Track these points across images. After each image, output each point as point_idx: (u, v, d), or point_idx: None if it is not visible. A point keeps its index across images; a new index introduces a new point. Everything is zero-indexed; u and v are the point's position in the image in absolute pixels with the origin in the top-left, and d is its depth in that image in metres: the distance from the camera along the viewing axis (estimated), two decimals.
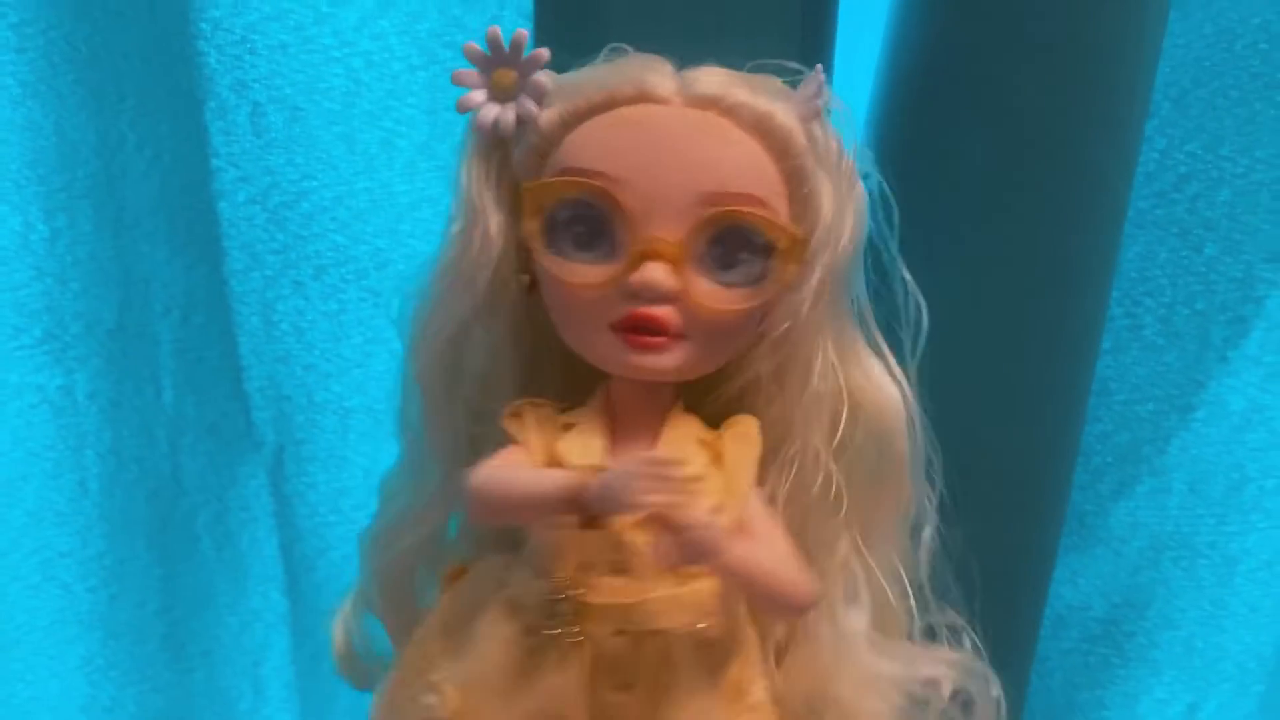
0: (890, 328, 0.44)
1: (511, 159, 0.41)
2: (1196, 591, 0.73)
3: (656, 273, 0.37)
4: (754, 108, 0.39)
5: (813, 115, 0.39)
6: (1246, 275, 0.68)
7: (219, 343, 0.71)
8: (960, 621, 0.47)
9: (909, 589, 0.46)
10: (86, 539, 0.74)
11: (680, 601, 0.39)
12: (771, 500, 0.42)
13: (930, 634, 0.47)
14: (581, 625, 0.38)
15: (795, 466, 0.41)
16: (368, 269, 0.67)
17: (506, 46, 0.39)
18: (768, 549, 0.39)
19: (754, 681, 0.41)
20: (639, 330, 0.38)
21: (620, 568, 0.38)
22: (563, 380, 0.43)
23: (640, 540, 0.38)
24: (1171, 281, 0.69)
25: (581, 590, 0.38)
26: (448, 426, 0.43)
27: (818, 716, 0.45)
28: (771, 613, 0.41)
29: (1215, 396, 0.70)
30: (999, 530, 0.62)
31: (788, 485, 0.42)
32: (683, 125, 0.38)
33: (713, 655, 0.40)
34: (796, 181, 0.39)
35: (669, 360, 0.39)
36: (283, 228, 0.66)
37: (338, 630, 0.49)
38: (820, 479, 0.42)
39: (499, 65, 0.39)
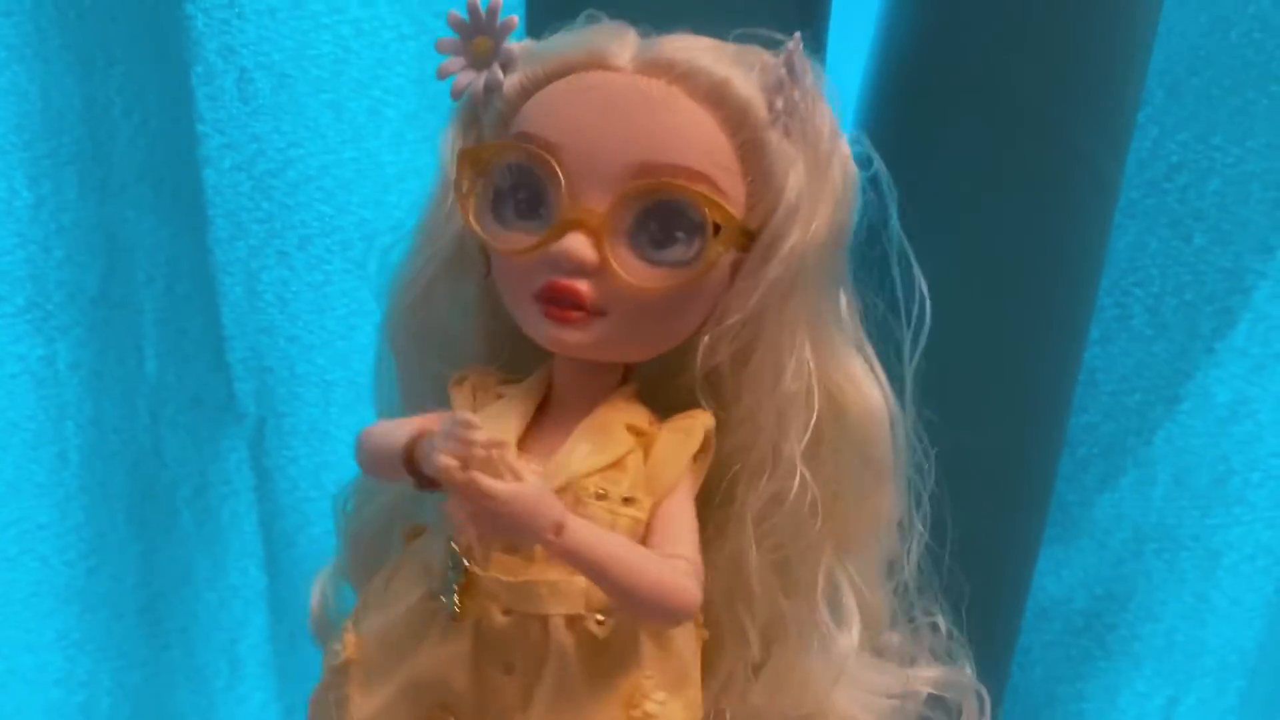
0: (882, 323, 0.43)
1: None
2: (1179, 584, 0.73)
3: (575, 243, 0.36)
4: (709, 75, 0.36)
5: (777, 86, 0.37)
6: (1235, 266, 0.68)
7: (202, 313, 0.71)
8: (945, 622, 0.46)
9: (891, 593, 0.45)
10: (65, 511, 0.74)
11: (565, 590, 0.37)
12: (744, 509, 0.40)
13: (913, 630, 0.46)
14: (469, 598, 0.37)
15: (768, 472, 0.39)
16: (353, 240, 0.67)
17: (484, 14, 0.39)
18: (631, 547, 0.36)
19: (652, 692, 0.38)
20: (555, 302, 0.37)
21: (514, 546, 0.37)
22: (529, 350, 0.42)
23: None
24: (1161, 272, 0.69)
25: (473, 562, 0.37)
26: (419, 392, 0.43)
27: None
28: (633, 615, 0.38)
29: (1201, 388, 0.70)
30: (983, 520, 0.61)
31: (761, 493, 0.39)
32: (627, 93, 0.36)
33: (603, 654, 0.38)
34: (754, 157, 0.37)
35: (584, 336, 0.37)
36: (268, 196, 0.66)
37: (315, 590, 0.48)
38: (795, 486, 0.39)
39: (478, 33, 0.39)
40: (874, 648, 0.45)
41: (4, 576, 0.73)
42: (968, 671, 0.46)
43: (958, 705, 0.46)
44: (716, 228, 0.36)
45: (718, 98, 0.37)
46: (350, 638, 0.40)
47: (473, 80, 0.39)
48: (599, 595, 0.37)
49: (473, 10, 0.39)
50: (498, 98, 0.39)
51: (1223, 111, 0.66)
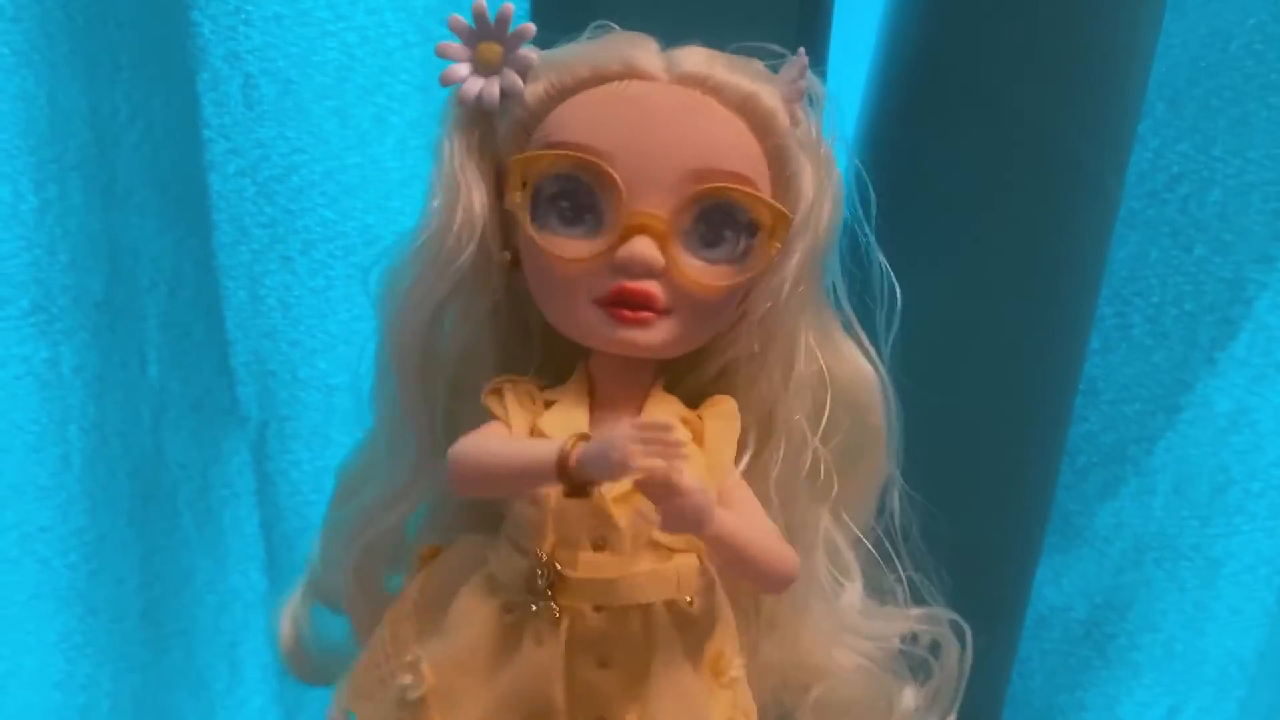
0: (868, 313, 0.45)
1: (493, 134, 0.41)
2: (1179, 594, 0.73)
3: (645, 247, 0.38)
4: (739, 87, 0.39)
5: (795, 97, 0.40)
6: (1236, 277, 0.68)
7: (205, 317, 0.71)
8: (930, 581, 0.48)
9: (881, 552, 0.47)
10: (67, 514, 0.74)
11: (661, 577, 0.39)
12: (765, 481, 0.42)
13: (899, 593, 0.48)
14: (560, 601, 0.38)
15: (784, 448, 0.42)
16: (356, 245, 0.67)
17: (492, 20, 0.39)
18: (750, 523, 0.39)
19: (732, 658, 0.41)
20: (626, 305, 0.38)
21: (601, 543, 0.38)
22: (542, 358, 0.43)
23: (622, 512, 0.38)
24: (1161, 281, 0.69)
25: (561, 565, 0.38)
26: (424, 407, 0.43)
27: (800, 677, 0.46)
28: (757, 585, 0.41)
29: (1202, 398, 0.70)
30: (983, 528, 0.62)
31: (779, 467, 0.42)
32: (671, 102, 0.38)
33: (693, 632, 0.40)
34: (779, 162, 0.40)
35: (655, 336, 0.39)
36: (272, 201, 0.66)
37: (284, 624, 0.49)
38: (809, 461, 0.42)
39: (484, 39, 0.39)
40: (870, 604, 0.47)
41: (5, 579, 0.73)
42: (945, 609, 0.48)
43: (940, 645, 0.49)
44: (770, 229, 0.39)
45: (749, 108, 0.39)
46: (426, 668, 0.40)
47: (485, 86, 0.39)
48: (689, 577, 0.39)
49: (479, 16, 0.39)
50: (517, 105, 0.39)
51: (1223, 122, 0.66)
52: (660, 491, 0.35)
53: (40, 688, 0.76)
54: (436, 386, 0.43)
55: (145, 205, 0.70)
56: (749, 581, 0.40)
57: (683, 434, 0.35)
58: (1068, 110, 0.59)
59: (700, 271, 0.39)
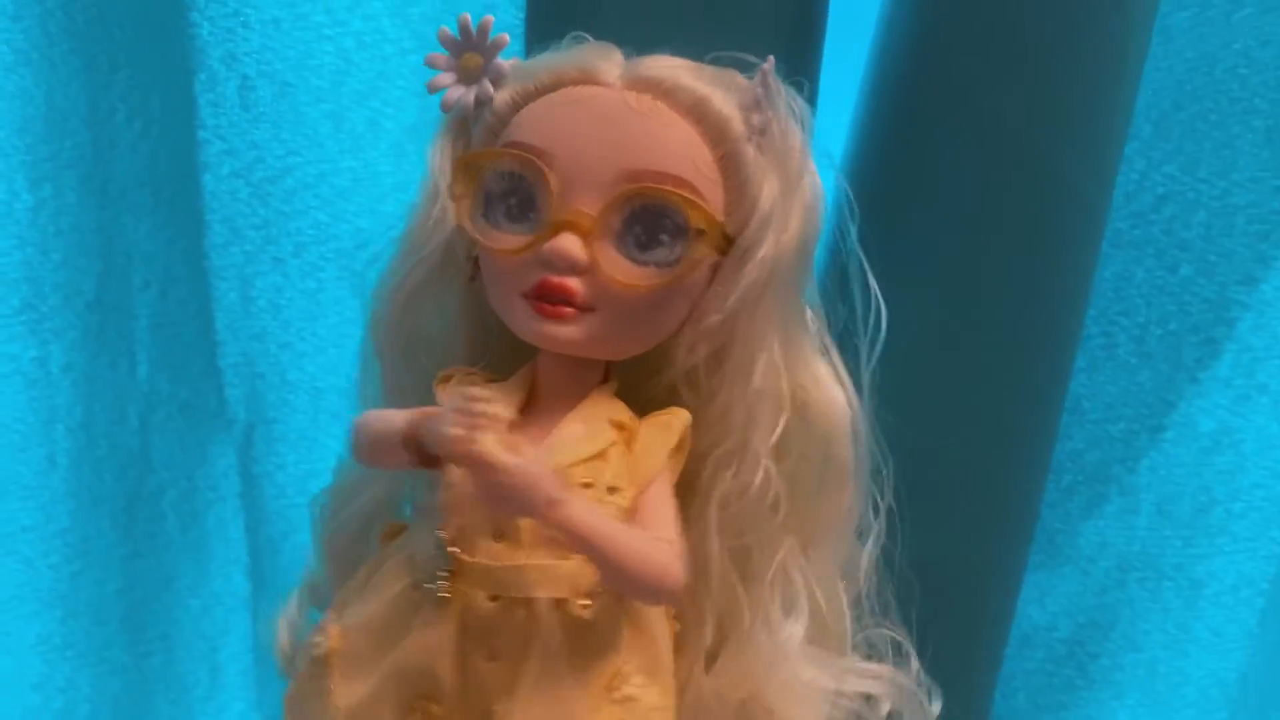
0: (849, 335, 0.44)
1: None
2: (1161, 614, 0.73)
3: (567, 242, 0.38)
4: (691, 92, 0.39)
5: (754, 104, 0.39)
6: (1220, 297, 0.68)
7: (196, 318, 0.71)
8: (902, 636, 0.47)
9: (849, 601, 0.45)
10: (51, 514, 0.74)
11: (553, 574, 0.38)
12: (708, 497, 0.41)
13: (871, 648, 0.47)
14: (457, 585, 0.38)
15: (735, 465, 0.41)
16: (348, 248, 0.68)
17: (475, 32, 0.41)
18: (631, 527, 0.38)
19: (632, 676, 0.40)
20: (546, 299, 0.39)
21: (500, 532, 0.38)
22: (511, 352, 0.43)
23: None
24: (1146, 301, 0.70)
25: (459, 550, 0.38)
26: (403, 394, 0.44)
27: None
28: (618, 589, 0.39)
29: (1185, 418, 0.71)
30: (967, 547, 0.62)
31: (727, 484, 0.41)
32: (618, 105, 0.39)
33: (586, 638, 0.39)
34: (732, 169, 0.40)
35: (573, 332, 0.39)
36: (265, 203, 0.67)
37: (282, 630, 0.49)
38: (759, 479, 0.41)
39: (467, 49, 0.41)
40: (823, 645, 0.45)
41: None
42: (911, 674, 0.47)
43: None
44: (699, 232, 0.39)
45: (700, 113, 0.39)
46: (334, 628, 0.41)
47: (463, 94, 0.41)
48: (585, 580, 0.38)
49: (464, 28, 0.41)
50: (488, 111, 0.41)
51: (1208, 145, 0.67)
52: (469, 464, 0.34)
53: (18, 690, 0.75)
54: (413, 375, 0.44)
55: (139, 205, 0.70)
56: (610, 585, 0.38)
57: (495, 406, 0.34)
58: (1056, 130, 0.59)
59: (623, 270, 0.39)
